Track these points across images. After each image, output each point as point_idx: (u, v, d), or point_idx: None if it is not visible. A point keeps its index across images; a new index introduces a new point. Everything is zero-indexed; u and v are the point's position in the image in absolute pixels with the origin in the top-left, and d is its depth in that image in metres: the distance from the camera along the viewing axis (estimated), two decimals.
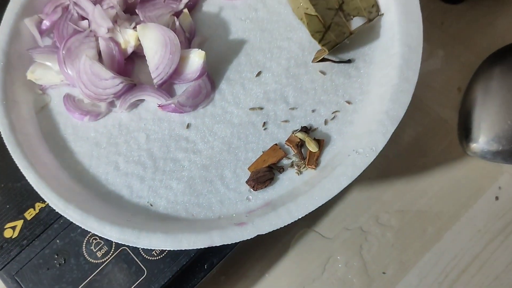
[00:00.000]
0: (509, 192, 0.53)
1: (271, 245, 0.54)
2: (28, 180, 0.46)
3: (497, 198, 0.53)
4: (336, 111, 0.48)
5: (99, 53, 0.51)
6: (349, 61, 0.49)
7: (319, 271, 0.53)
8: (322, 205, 0.45)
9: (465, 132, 0.54)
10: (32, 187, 0.46)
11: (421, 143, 0.56)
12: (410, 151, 0.56)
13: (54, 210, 0.46)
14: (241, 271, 0.53)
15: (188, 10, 0.54)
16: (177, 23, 0.52)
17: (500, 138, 0.52)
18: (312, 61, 0.50)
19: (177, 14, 0.53)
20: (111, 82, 0.49)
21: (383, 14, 0.49)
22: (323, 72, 0.49)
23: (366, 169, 0.43)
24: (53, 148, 0.50)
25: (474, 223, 0.53)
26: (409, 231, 0.53)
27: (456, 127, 0.56)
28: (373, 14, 0.49)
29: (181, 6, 0.53)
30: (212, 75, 0.51)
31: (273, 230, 0.43)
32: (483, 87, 0.54)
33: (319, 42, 0.47)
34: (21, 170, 0.47)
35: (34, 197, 0.50)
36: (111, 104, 0.51)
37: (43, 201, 0.50)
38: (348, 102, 0.48)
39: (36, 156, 0.48)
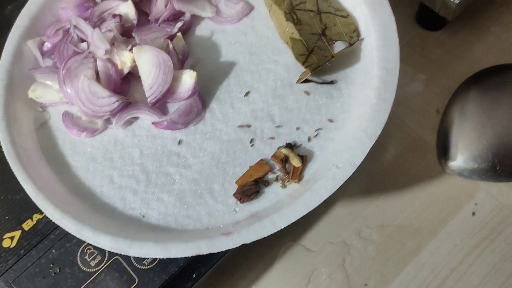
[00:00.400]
0: (485, 208, 0.56)
1: (259, 258, 0.56)
2: (27, 192, 0.49)
3: (473, 213, 0.56)
4: (319, 129, 0.51)
5: (97, 73, 0.53)
6: (331, 82, 0.52)
7: (304, 283, 0.55)
8: (307, 219, 0.48)
9: (443, 151, 0.57)
10: (31, 199, 0.49)
11: (402, 161, 0.59)
12: (392, 168, 0.59)
13: (51, 221, 0.48)
14: (229, 282, 0.55)
15: (182, 34, 0.57)
16: (171, 45, 0.55)
17: (476, 157, 0.55)
18: (297, 82, 0.53)
19: (171, 37, 0.56)
20: (108, 101, 0.52)
21: (363, 39, 0.52)
22: (307, 93, 0.52)
23: (349, 185, 0.46)
24: (52, 162, 0.53)
25: (452, 238, 0.55)
26: (390, 245, 0.55)
27: (435, 147, 0.59)
28: (354, 39, 0.52)
29: (175, 30, 0.56)
30: (203, 95, 0.54)
31: (261, 243, 0.45)
32: (460, 109, 0.57)
33: (303, 64, 0.50)
34: (21, 183, 0.49)
35: (32, 208, 0.52)
36: (107, 121, 0.54)
37: (41, 213, 0.52)
38: (330, 121, 0.51)
39: (35, 169, 0.51)
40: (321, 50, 0.51)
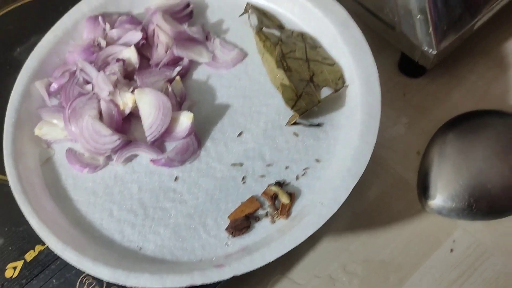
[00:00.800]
0: (462, 245, 0.58)
1: None
2: (31, 224, 0.51)
3: (452, 250, 0.58)
4: (306, 168, 0.54)
5: (100, 113, 0.56)
6: (318, 125, 0.56)
7: None
8: (295, 253, 0.50)
9: (423, 190, 0.59)
10: (33, 231, 0.51)
11: (385, 200, 0.61)
12: (375, 206, 0.61)
13: (52, 252, 0.50)
14: None
15: (180, 78, 0.60)
16: (170, 88, 0.58)
17: (453, 196, 0.57)
18: (287, 124, 0.56)
19: (170, 80, 0.59)
20: (110, 139, 0.55)
21: (348, 85, 0.56)
22: (296, 134, 0.56)
23: (335, 221, 0.48)
24: (55, 196, 0.55)
25: (432, 273, 0.57)
26: (373, 279, 0.57)
27: (416, 186, 0.62)
28: (339, 85, 0.56)
29: (174, 73, 0.60)
30: (199, 134, 0.57)
31: (251, 276, 0.48)
32: (439, 151, 0.60)
33: (292, 108, 0.54)
34: (25, 215, 0.52)
35: (34, 240, 0.54)
36: (108, 158, 0.57)
37: (43, 244, 0.55)
38: (317, 161, 0.54)
39: (39, 203, 0.53)
40: (309, 95, 0.55)
